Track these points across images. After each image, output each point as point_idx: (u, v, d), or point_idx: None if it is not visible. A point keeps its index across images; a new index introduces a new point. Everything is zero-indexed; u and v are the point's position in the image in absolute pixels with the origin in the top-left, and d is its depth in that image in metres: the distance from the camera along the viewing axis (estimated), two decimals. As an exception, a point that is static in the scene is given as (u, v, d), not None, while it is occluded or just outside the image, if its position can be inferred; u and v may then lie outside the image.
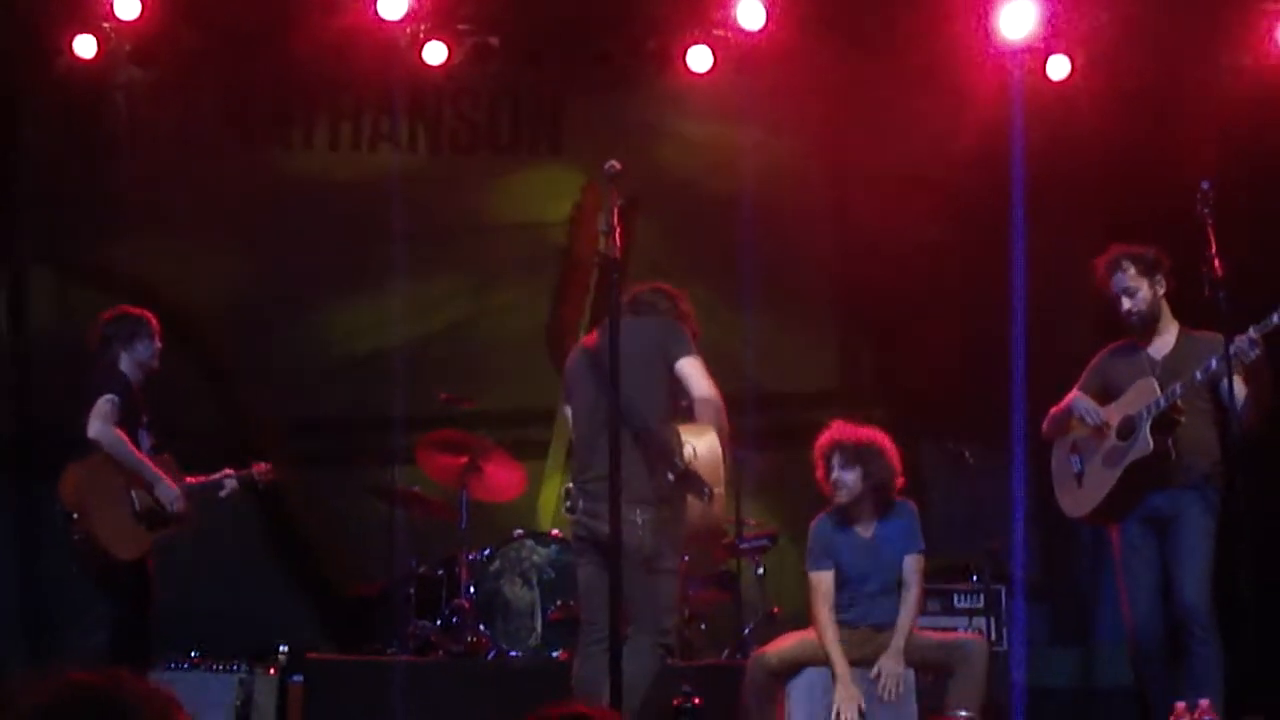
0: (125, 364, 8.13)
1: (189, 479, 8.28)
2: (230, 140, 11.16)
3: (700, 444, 6.86)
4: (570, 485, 7.21)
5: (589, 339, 7.36)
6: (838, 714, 7.22)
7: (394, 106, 10.83)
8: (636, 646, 6.70)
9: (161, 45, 10.49)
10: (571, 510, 7.14)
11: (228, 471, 8.52)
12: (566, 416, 7.43)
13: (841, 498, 7.52)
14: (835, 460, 7.51)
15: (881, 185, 11.01)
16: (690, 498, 6.88)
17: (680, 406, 7.08)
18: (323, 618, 10.77)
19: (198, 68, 10.77)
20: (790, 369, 11.28)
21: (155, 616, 8.15)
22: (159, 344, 8.26)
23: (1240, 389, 7.00)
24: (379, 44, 10.52)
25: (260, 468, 8.62)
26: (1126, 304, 7.61)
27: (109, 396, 7.88)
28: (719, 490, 6.94)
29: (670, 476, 6.83)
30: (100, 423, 7.84)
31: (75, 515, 7.84)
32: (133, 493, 8.00)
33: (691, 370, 6.97)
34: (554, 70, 11.03)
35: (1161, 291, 7.61)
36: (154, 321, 8.26)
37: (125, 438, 7.92)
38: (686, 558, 7.71)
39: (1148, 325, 7.64)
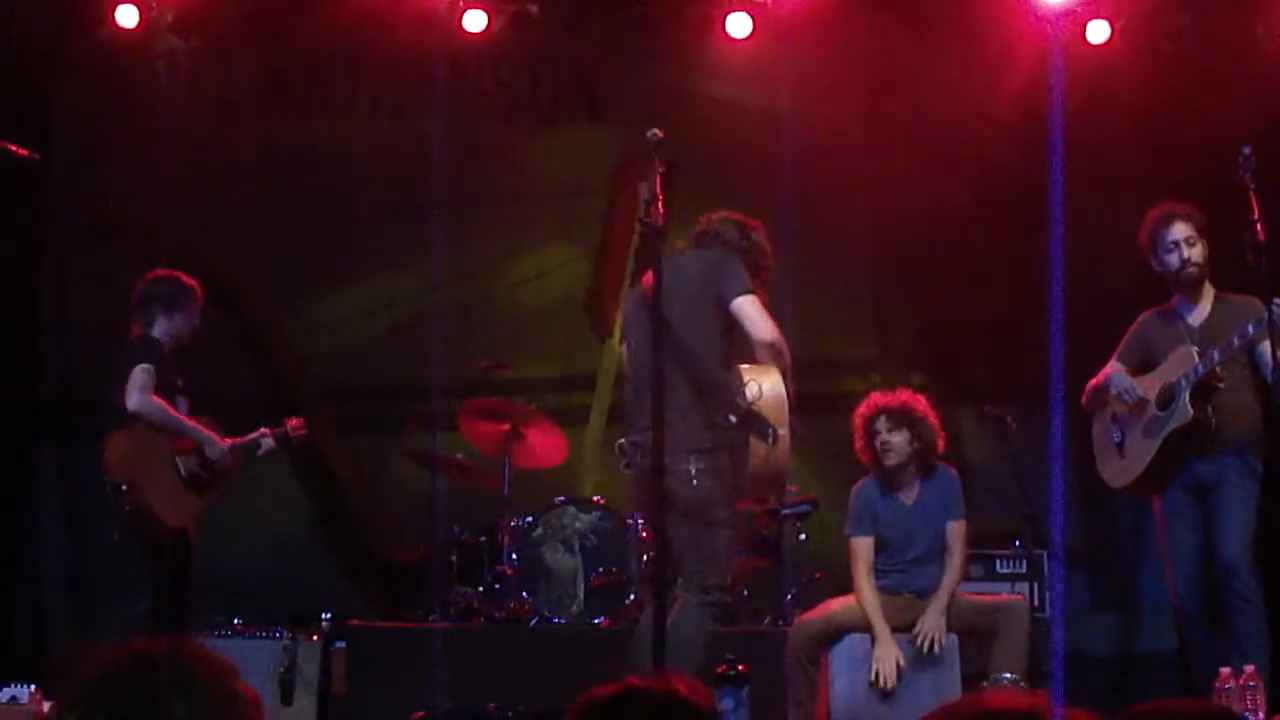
0: (160, 329, 8.11)
1: (228, 440, 8.30)
2: (270, 109, 11.21)
3: (765, 383, 6.62)
4: (624, 441, 6.90)
5: (645, 279, 6.74)
6: (877, 673, 7.27)
7: (434, 74, 10.82)
8: (684, 605, 6.54)
9: (202, 15, 10.54)
10: (629, 466, 6.84)
11: (264, 431, 8.52)
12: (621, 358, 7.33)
13: (891, 460, 7.54)
14: (882, 424, 7.54)
15: (920, 152, 10.98)
16: (754, 440, 6.62)
17: (740, 348, 6.77)
18: (365, 584, 10.83)
19: (238, 37, 10.83)
20: (829, 336, 11.27)
21: (197, 584, 8.19)
22: (197, 319, 8.26)
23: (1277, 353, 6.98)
24: (419, 12, 10.54)
25: (293, 423, 8.62)
26: (1186, 252, 7.55)
27: (144, 366, 7.88)
28: (784, 432, 6.66)
29: (732, 418, 6.56)
30: (139, 394, 7.85)
31: (125, 486, 7.86)
32: (178, 459, 8.04)
33: (748, 310, 6.64)
34: (593, 37, 11.04)
35: (1207, 255, 7.59)
36: (199, 294, 8.26)
37: (165, 404, 7.96)
38: (743, 507, 7.41)
39: (1197, 283, 7.61)
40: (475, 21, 10.63)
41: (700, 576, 6.62)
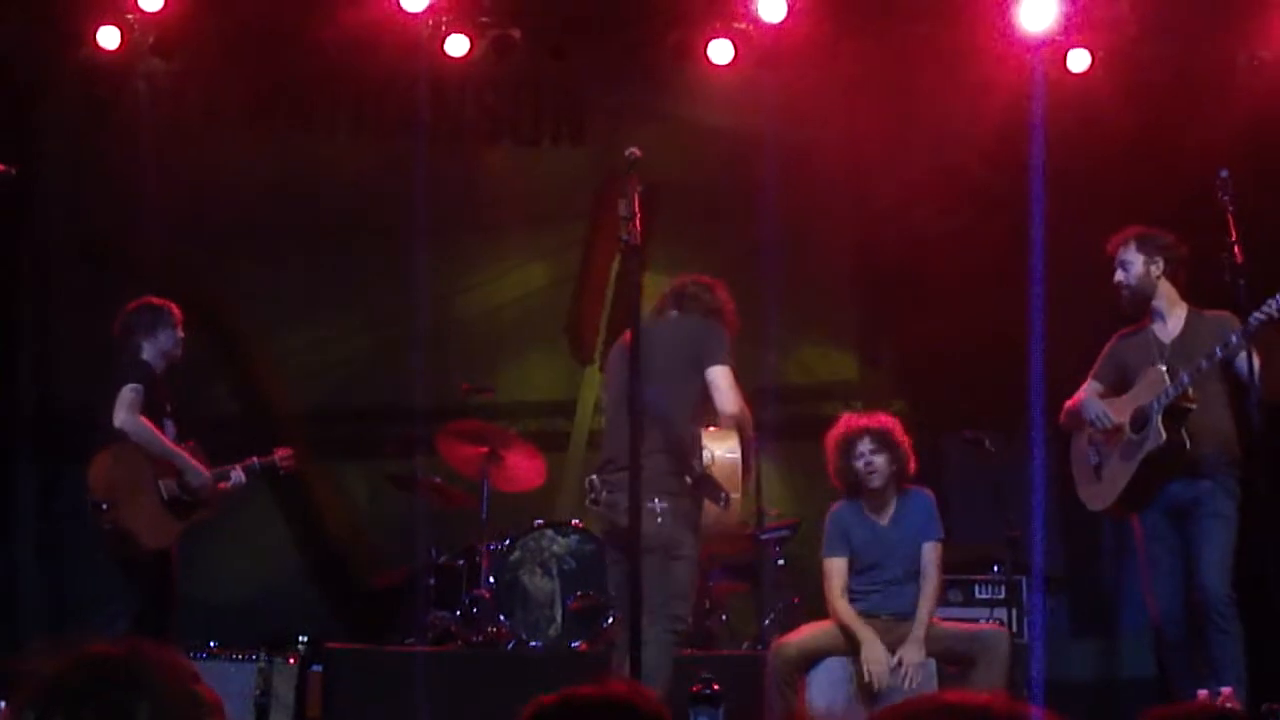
0: (148, 353, 8.13)
1: (208, 469, 8.28)
2: (252, 131, 11.19)
3: (719, 449, 6.93)
4: (593, 477, 7.28)
5: (628, 335, 7.20)
6: (867, 672, 7.24)
7: (416, 98, 10.82)
8: (649, 637, 6.69)
9: (184, 37, 10.52)
10: (595, 502, 7.23)
11: (249, 461, 8.50)
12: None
13: (875, 482, 7.55)
14: (864, 445, 7.54)
15: (902, 177, 11.02)
16: (707, 502, 6.99)
17: (709, 409, 7.15)
18: (342, 608, 10.81)
19: (220, 60, 10.81)
20: (810, 360, 11.29)
21: (177, 606, 8.16)
22: (181, 333, 8.27)
23: (1255, 362, 6.99)
24: (401, 36, 10.53)
25: (282, 453, 8.63)
26: (1118, 275, 7.68)
27: (133, 385, 7.90)
28: (735, 496, 7.03)
29: (688, 479, 6.95)
30: (126, 412, 7.85)
31: (105, 505, 7.86)
32: (160, 481, 8.02)
33: (719, 380, 7.07)
34: (575, 62, 11.03)
35: (1157, 273, 7.63)
36: (176, 311, 8.26)
37: (151, 425, 7.94)
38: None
39: (1138, 303, 7.70)
40: (458, 46, 10.62)
41: (666, 608, 6.89)
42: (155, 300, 8.28)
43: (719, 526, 7.10)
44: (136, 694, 2.60)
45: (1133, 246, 7.65)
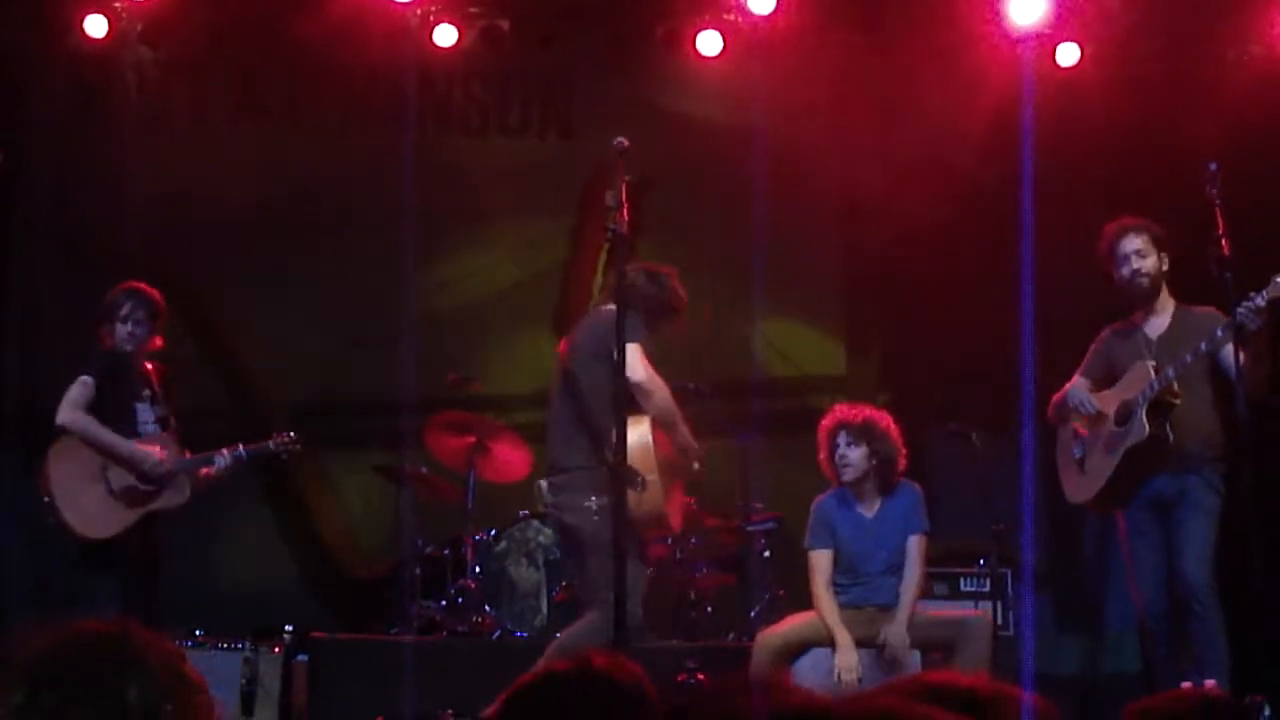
0: (118, 337, 8.07)
1: (185, 454, 8.22)
2: (240, 120, 11.17)
3: (630, 435, 6.81)
4: (542, 482, 7.47)
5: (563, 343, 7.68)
6: (838, 677, 7.25)
7: (404, 88, 10.80)
8: (588, 620, 6.98)
9: (172, 25, 10.50)
10: (547, 506, 7.47)
11: (236, 447, 8.40)
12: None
13: (848, 476, 7.57)
14: (841, 439, 7.56)
15: (890, 171, 11.02)
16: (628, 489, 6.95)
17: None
18: (328, 598, 10.80)
19: (208, 48, 10.79)
20: (798, 354, 11.29)
21: (160, 594, 8.14)
22: (151, 317, 8.14)
23: (1241, 357, 6.99)
24: (389, 26, 10.52)
25: (281, 438, 8.53)
26: (1137, 264, 7.63)
27: (83, 379, 7.89)
28: (651, 478, 7.08)
29: (604, 469, 6.97)
30: (68, 409, 7.86)
31: (46, 499, 7.90)
32: (109, 472, 7.99)
33: (628, 355, 6.87)
34: (564, 53, 11.03)
35: (1164, 267, 7.63)
36: (149, 293, 8.15)
37: (92, 419, 7.90)
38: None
39: (1151, 295, 7.67)
40: (446, 36, 10.62)
41: (603, 601, 6.80)
42: (125, 285, 8.20)
43: (641, 509, 7.06)
44: (126, 672, 2.59)
45: (1147, 237, 7.63)
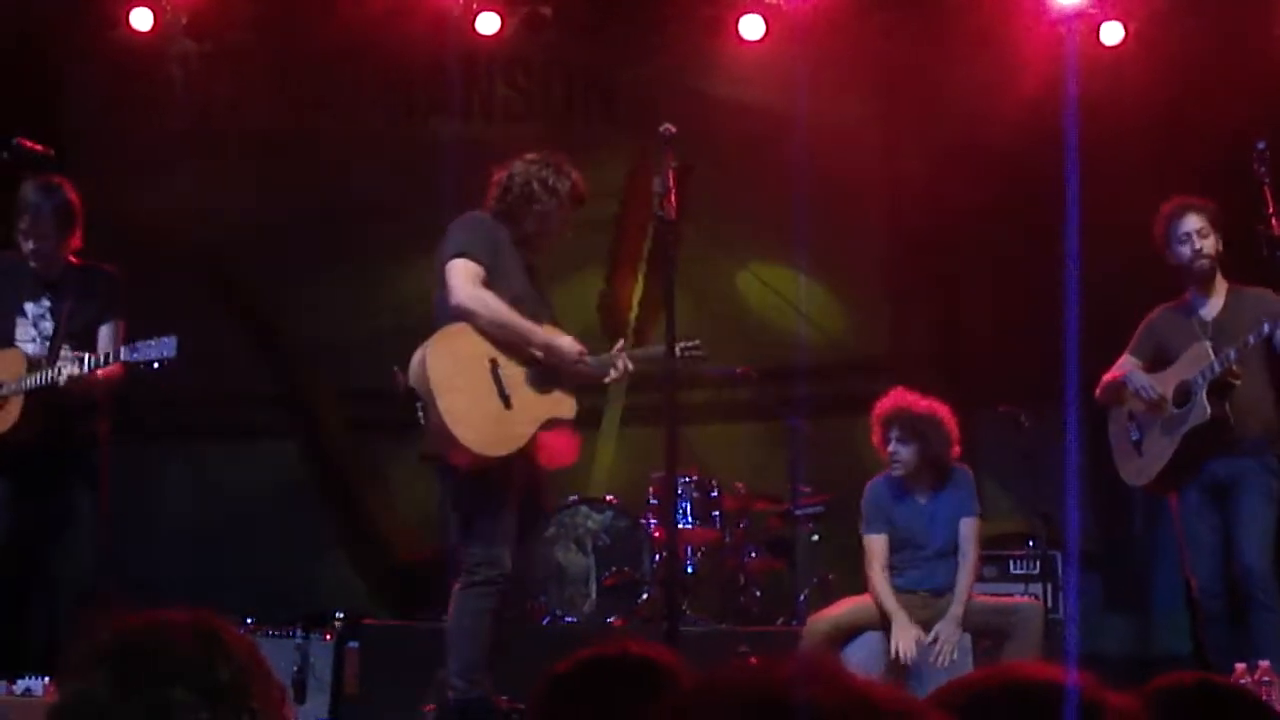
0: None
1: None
2: (282, 110, 11.21)
3: (415, 356, 6.70)
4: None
5: None
6: (896, 651, 7.25)
7: (446, 76, 10.82)
8: (454, 596, 6.91)
9: (217, 18, 10.55)
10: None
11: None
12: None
13: (897, 471, 7.56)
14: (893, 433, 7.52)
15: (934, 152, 10.98)
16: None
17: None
18: (378, 584, 10.84)
19: (252, 40, 10.83)
20: (843, 336, 11.27)
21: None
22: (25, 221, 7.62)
23: None
24: (432, 14, 10.54)
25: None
26: (1199, 243, 7.53)
27: None
28: (436, 404, 6.61)
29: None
30: None
31: None
32: None
33: (448, 275, 6.71)
34: (606, 39, 11.04)
35: (1220, 248, 7.57)
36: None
37: None
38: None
39: (1209, 275, 7.58)
40: (488, 24, 10.62)
41: (469, 559, 6.80)
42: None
43: (430, 437, 6.75)
44: (216, 653, 2.61)
45: (1207, 216, 7.54)
